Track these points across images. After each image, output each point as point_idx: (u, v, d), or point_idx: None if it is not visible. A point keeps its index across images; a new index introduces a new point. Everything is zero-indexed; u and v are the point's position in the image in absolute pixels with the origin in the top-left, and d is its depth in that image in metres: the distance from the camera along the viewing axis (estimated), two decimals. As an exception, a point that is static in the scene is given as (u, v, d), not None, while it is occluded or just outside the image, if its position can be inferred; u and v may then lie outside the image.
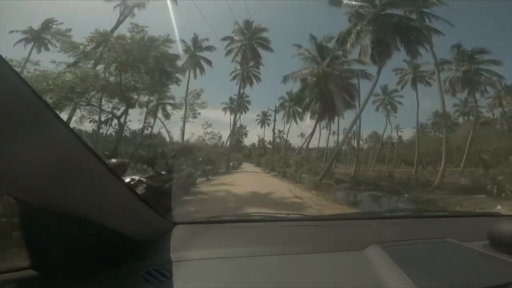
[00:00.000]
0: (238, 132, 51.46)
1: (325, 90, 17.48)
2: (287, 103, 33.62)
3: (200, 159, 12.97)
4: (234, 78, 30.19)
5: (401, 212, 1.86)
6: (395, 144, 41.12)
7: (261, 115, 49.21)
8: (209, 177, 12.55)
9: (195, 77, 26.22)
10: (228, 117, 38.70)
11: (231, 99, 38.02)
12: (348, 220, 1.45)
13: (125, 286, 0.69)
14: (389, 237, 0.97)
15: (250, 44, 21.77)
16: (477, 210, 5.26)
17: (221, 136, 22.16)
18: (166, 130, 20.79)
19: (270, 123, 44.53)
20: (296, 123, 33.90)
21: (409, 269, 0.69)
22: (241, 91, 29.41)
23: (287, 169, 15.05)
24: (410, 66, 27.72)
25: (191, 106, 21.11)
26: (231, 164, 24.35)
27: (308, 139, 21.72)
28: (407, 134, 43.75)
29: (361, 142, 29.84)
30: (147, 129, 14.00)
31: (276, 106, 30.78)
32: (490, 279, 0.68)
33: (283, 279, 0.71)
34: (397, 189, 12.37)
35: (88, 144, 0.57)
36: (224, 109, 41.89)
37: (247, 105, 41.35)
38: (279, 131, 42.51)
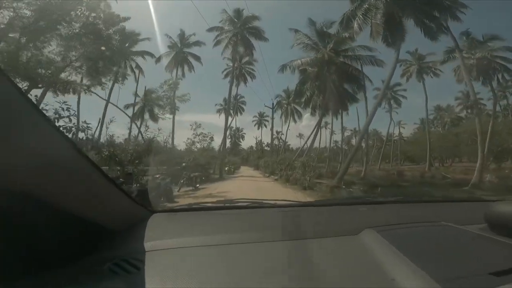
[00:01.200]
0: (234, 135, 49.63)
1: (328, 80, 15.39)
2: (284, 101, 31.80)
3: (184, 164, 10.71)
4: (226, 76, 28.18)
5: (393, 197, 1.66)
6: (395, 141, 39.77)
7: (257, 116, 47.63)
8: (197, 185, 10.36)
9: (183, 75, 24.09)
10: (223, 120, 36.64)
11: (225, 100, 36.04)
12: (338, 206, 1.40)
13: (88, 279, 0.60)
14: (383, 222, 0.91)
15: (242, 34, 19.51)
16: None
17: (212, 137, 19.09)
18: (136, 126, 17.85)
19: (268, 123, 42.62)
20: (295, 121, 32.18)
21: (408, 252, 0.65)
22: (235, 90, 27.40)
23: (290, 172, 12.77)
24: (414, 57, 26.26)
25: (168, 100, 17.86)
26: (226, 168, 22.27)
27: (314, 133, 19.04)
28: (407, 130, 42.72)
29: (363, 140, 27.96)
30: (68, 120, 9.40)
31: (273, 104, 28.72)
32: (495, 263, 0.62)
33: (272, 266, 0.65)
34: (426, 190, 10.28)
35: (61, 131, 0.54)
36: (219, 111, 39.97)
37: (242, 105, 39.57)
38: (277, 132, 40.72)
